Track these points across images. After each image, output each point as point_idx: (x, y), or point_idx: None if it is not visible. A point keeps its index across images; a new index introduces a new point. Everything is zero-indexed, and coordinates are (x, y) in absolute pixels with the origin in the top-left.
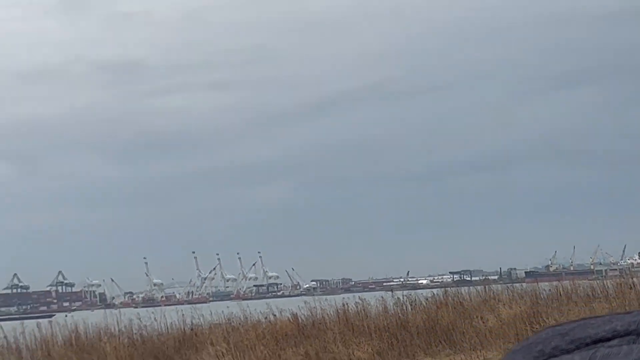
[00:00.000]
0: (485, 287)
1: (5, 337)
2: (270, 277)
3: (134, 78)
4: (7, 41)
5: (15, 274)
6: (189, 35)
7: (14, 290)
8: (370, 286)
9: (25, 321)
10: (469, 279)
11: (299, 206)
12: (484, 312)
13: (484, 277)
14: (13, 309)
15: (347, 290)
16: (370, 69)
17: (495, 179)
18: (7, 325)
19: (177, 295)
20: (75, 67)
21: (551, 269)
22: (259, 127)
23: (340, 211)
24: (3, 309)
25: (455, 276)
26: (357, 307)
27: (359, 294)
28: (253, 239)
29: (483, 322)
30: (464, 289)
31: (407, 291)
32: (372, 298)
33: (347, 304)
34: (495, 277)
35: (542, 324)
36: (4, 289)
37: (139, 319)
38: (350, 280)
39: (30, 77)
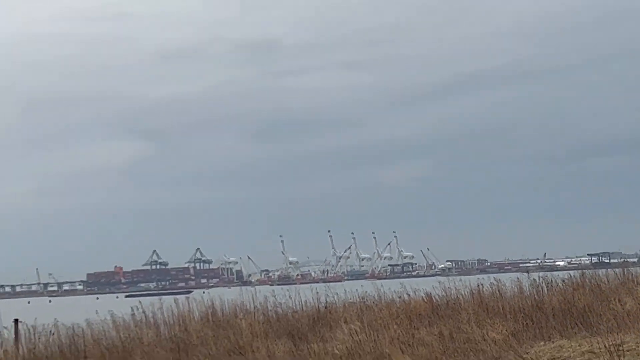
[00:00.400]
0: (623, 270)
1: (143, 312)
2: (405, 257)
3: (271, 57)
4: (146, 21)
5: (154, 251)
6: (324, 15)
7: (153, 267)
8: (506, 267)
9: (164, 297)
10: (607, 261)
11: (435, 185)
12: (622, 295)
13: (622, 260)
14: (152, 284)
15: (483, 271)
16: (504, 49)
17: (631, 161)
18: (145, 300)
19: (313, 274)
20: (214, 47)
21: None
22: (393, 106)
23: (476, 191)
24: (142, 284)
25: (593, 258)
26: (492, 288)
27: (494, 275)
28: (388, 218)
29: (621, 305)
30: (601, 272)
31: (543, 273)
32: (507, 279)
33: (482, 284)
34: (635, 260)
35: None
36: (144, 265)
37: (274, 296)
38: (485, 261)
39: (170, 56)
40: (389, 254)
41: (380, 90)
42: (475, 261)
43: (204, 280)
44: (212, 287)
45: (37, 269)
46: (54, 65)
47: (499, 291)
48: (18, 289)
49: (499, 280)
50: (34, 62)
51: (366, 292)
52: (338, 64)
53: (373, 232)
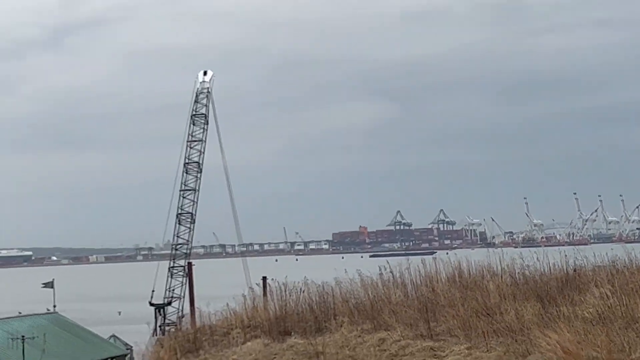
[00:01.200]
0: None
1: (391, 272)
2: None
3: (517, 17)
4: None
5: (398, 211)
6: None
7: (397, 227)
8: None
9: (410, 257)
10: None
11: None
12: None
13: None
14: (396, 244)
15: None
16: None
17: None
18: (392, 260)
19: (557, 236)
20: (459, 6)
21: None
22: None
23: None
24: (386, 244)
25: None
26: None
27: None
28: (637, 181)
29: None
30: None
31: None
32: None
33: None
34: None
35: None
36: (388, 225)
37: (521, 258)
38: None
39: (415, 17)
40: (637, 217)
41: (631, 49)
42: None
43: (447, 242)
44: (455, 248)
45: (284, 227)
46: (302, 28)
47: None
48: (266, 247)
49: None
50: (280, 25)
51: (616, 255)
52: (587, 23)
53: (621, 195)
